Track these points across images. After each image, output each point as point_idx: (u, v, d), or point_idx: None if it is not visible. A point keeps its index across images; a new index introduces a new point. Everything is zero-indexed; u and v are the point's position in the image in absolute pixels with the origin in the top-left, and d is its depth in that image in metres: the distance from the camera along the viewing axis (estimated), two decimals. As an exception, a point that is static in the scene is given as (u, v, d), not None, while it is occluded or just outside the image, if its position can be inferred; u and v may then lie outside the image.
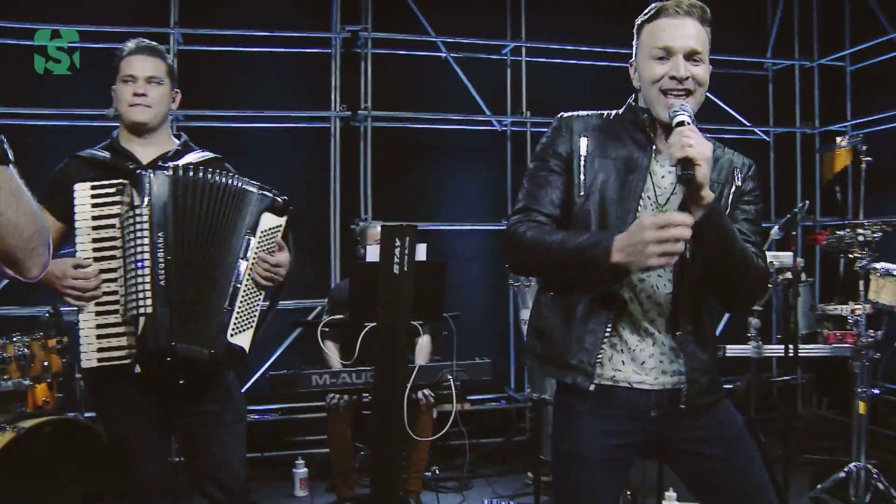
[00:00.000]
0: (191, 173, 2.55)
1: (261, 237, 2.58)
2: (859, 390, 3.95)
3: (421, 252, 3.57)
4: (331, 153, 5.30)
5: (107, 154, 2.63)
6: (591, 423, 2.04)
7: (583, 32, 5.87)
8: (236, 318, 2.55)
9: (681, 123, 1.86)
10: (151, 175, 2.50)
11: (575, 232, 1.98)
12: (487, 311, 5.72)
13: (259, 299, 2.63)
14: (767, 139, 6.25)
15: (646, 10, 2.04)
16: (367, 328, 3.67)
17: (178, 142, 2.76)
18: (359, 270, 3.68)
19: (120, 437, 2.65)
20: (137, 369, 2.49)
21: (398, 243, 3.38)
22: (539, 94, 5.75)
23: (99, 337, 2.48)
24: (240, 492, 2.80)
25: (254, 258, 2.57)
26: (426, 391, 4.08)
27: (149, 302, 2.45)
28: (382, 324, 3.51)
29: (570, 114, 2.15)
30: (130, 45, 2.68)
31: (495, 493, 4.65)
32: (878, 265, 4.03)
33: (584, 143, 2.06)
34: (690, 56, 1.96)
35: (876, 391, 4.08)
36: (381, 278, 3.44)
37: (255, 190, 2.60)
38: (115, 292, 2.49)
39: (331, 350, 4.18)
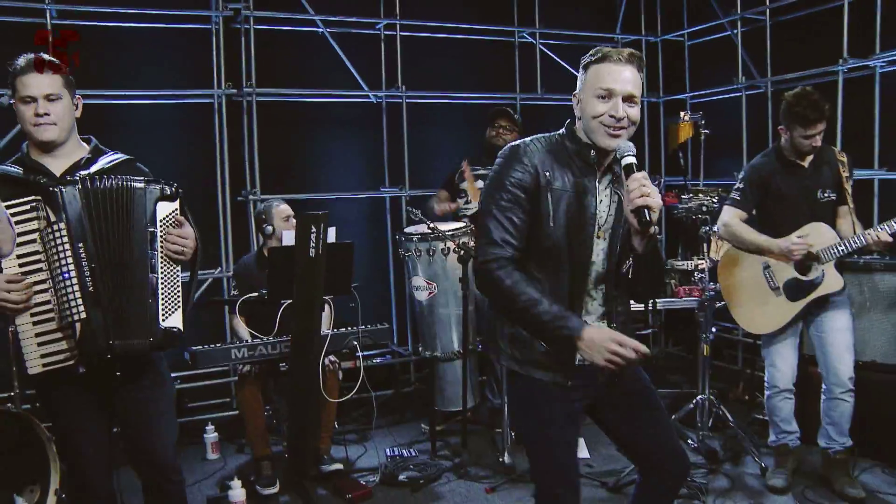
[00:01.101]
0: (97, 183, 2.73)
1: (161, 226, 2.82)
2: (703, 336, 4.64)
3: (331, 235, 3.92)
4: (216, 129, 5.43)
5: (19, 170, 2.74)
6: (559, 393, 2.53)
7: (454, 10, 6.25)
8: (163, 304, 2.81)
9: (630, 164, 2.31)
10: (63, 191, 2.68)
11: (545, 298, 2.36)
12: (370, 274, 6.05)
13: (177, 277, 2.86)
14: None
15: (592, 52, 2.45)
16: (284, 304, 4.01)
17: (87, 147, 2.89)
18: (276, 254, 3.97)
19: (66, 433, 2.88)
20: (82, 370, 2.72)
21: (313, 230, 3.72)
22: (413, 68, 6.06)
23: (40, 345, 2.68)
24: (172, 471, 3.11)
25: (161, 245, 2.80)
26: (332, 357, 4.43)
27: (81, 308, 2.68)
28: (299, 300, 3.87)
29: (522, 145, 2.49)
30: (22, 62, 2.74)
31: (395, 442, 5.09)
32: (717, 226, 4.70)
33: (546, 174, 2.43)
34: (627, 99, 2.38)
35: (713, 332, 4.80)
36: (297, 261, 3.79)
37: (146, 185, 2.79)
38: (47, 302, 2.69)
39: (239, 324, 4.46)
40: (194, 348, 3.95)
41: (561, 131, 2.56)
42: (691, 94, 6.82)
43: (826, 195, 4.07)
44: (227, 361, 4.09)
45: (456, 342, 5.01)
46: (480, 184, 5.24)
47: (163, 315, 2.80)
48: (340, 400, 4.40)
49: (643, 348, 2.31)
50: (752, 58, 6.09)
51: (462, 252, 4.61)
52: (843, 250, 3.92)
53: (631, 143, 2.40)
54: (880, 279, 4.57)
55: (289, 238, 4.01)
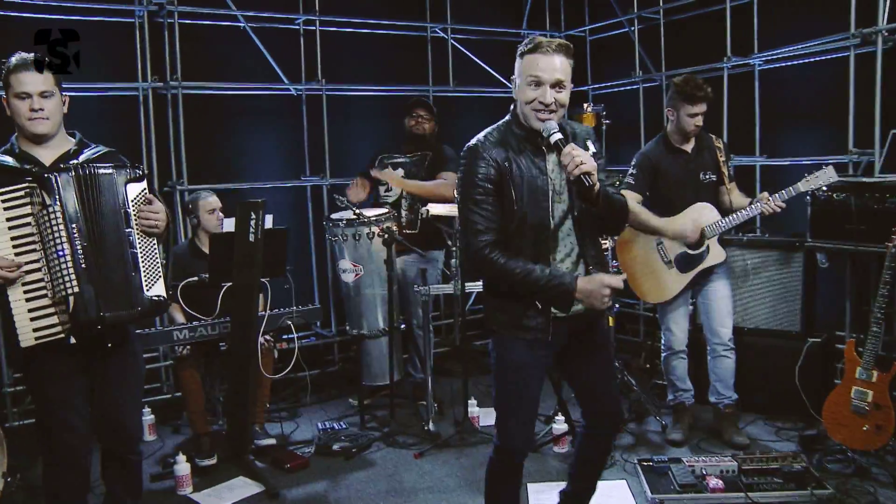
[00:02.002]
0: (87, 170, 3.00)
1: (133, 205, 3.08)
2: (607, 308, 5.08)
3: (268, 221, 4.18)
4: (141, 121, 5.56)
5: (12, 160, 3.00)
6: (531, 347, 2.90)
7: (370, 6, 6.51)
8: (145, 276, 3.09)
9: (557, 141, 2.67)
10: (58, 177, 2.94)
11: (534, 267, 2.75)
12: (292, 260, 6.26)
13: (155, 250, 3.14)
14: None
15: (527, 42, 2.79)
16: (224, 287, 4.25)
17: (73, 140, 3.16)
18: (217, 239, 4.20)
19: (52, 404, 3.10)
20: (73, 340, 2.97)
21: (253, 216, 3.97)
22: (332, 61, 6.30)
23: (32, 319, 2.93)
24: (136, 442, 3.39)
25: (136, 222, 3.07)
26: (267, 336, 4.67)
27: (74, 283, 2.94)
28: (238, 283, 4.12)
29: (478, 143, 2.83)
30: (16, 59, 2.99)
31: (326, 417, 5.39)
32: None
33: (505, 165, 2.78)
34: (556, 85, 2.74)
35: (616, 307, 5.26)
36: (237, 245, 4.03)
37: (117, 171, 3.06)
38: (40, 280, 2.94)
39: (176, 310, 4.65)
40: (136, 331, 4.13)
41: (507, 119, 2.91)
42: (593, 87, 7.30)
43: (708, 177, 4.59)
44: (169, 343, 4.31)
45: (381, 320, 5.32)
46: (401, 171, 5.55)
47: (146, 286, 3.07)
48: (277, 376, 4.65)
49: (621, 283, 2.75)
50: (649, 53, 6.60)
51: (386, 236, 4.93)
52: (725, 226, 4.47)
53: (555, 123, 2.75)
54: (761, 253, 5.10)
55: (229, 225, 4.25)
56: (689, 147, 4.60)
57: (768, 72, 5.80)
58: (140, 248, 3.08)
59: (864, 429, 4.05)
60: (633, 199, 4.58)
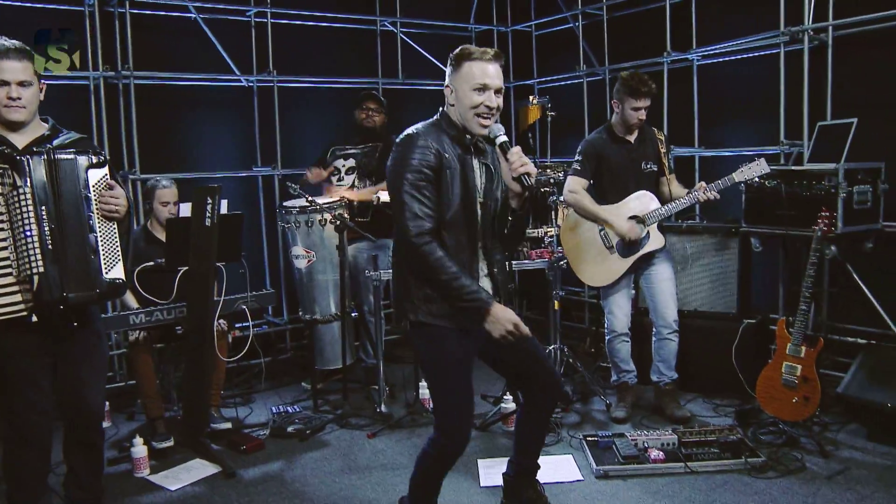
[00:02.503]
0: (58, 155, 3.09)
1: (95, 189, 3.16)
2: (554, 292, 5.27)
3: (223, 206, 4.26)
4: (93, 111, 5.56)
5: None
6: (460, 338, 3.04)
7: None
8: (104, 258, 3.16)
9: (504, 142, 2.84)
10: (31, 160, 3.02)
11: (463, 273, 2.87)
12: (244, 248, 6.31)
13: (115, 235, 3.21)
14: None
15: (459, 50, 2.94)
16: (181, 271, 4.31)
17: (46, 126, 3.22)
18: (173, 224, 4.26)
19: (15, 380, 3.16)
20: (34, 318, 3.03)
21: (209, 201, 4.05)
22: (284, 53, 6.38)
23: None
24: (99, 421, 3.46)
25: (96, 206, 3.15)
26: (221, 320, 4.74)
27: (40, 263, 3.02)
28: (195, 267, 4.19)
29: (415, 132, 2.95)
30: None
31: (280, 401, 5.48)
32: (563, 195, 5.32)
33: (445, 155, 2.92)
34: (497, 91, 2.92)
35: (561, 292, 5.44)
36: (193, 230, 4.10)
37: (78, 156, 3.14)
38: (6, 258, 3.00)
39: (129, 296, 4.69)
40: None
41: (436, 119, 3.05)
42: (538, 80, 7.49)
43: (649, 166, 4.81)
44: (126, 327, 4.36)
45: (333, 306, 5.44)
46: (352, 161, 5.68)
47: (105, 268, 3.14)
48: (232, 359, 4.73)
49: (527, 332, 2.90)
50: (592, 48, 6.81)
51: (338, 222, 5.04)
52: (663, 213, 4.69)
53: (501, 125, 2.94)
54: (700, 239, 5.35)
55: (185, 210, 4.32)
56: (632, 138, 4.81)
57: (706, 67, 6.06)
58: (100, 231, 3.15)
59: (794, 401, 4.30)
60: (579, 183, 4.79)
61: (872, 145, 4.83)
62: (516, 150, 2.86)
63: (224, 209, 4.27)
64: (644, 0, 6.37)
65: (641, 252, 4.78)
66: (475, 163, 3.04)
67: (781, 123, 5.37)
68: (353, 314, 5.70)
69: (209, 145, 6.28)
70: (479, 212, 3.05)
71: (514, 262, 5.15)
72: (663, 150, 4.84)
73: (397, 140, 3.00)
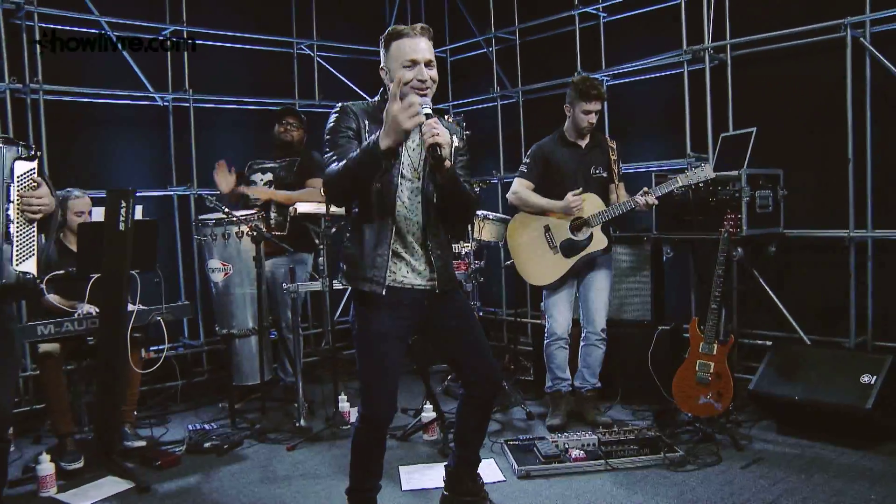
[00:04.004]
0: None
1: (18, 182, 3.06)
2: (473, 303, 5.30)
3: (138, 212, 4.18)
4: (-1, 125, 5.41)
5: None
6: (388, 312, 3.06)
7: (239, 19, 6.61)
8: (17, 250, 3.05)
9: (427, 115, 2.81)
10: None
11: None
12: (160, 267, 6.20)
13: (33, 232, 3.11)
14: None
15: (389, 31, 3.00)
16: (93, 279, 4.19)
17: None
18: (85, 229, 4.15)
19: None
20: None
21: (122, 205, 3.97)
22: (200, 72, 6.35)
23: None
24: (7, 424, 3.31)
25: (17, 199, 3.05)
26: (136, 333, 4.59)
27: None
28: (107, 274, 4.09)
29: (345, 104, 3.04)
30: None
31: (198, 420, 5.34)
32: (479, 212, 5.40)
33: (364, 122, 2.99)
34: (428, 64, 2.96)
35: (480, 312, 5.47)
36: (106, 235, 4.01)
37: (6, 146, 3.05)
38: None
39: (53, 299, 4.50)
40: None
41: (376, 98, 3.12)
42: (453, 103, 7.62)
43: (598, 172, 4.89)
44: (33, 338, 4.16)
45: (250, 320, 5.35)
46: (269, 175, 5.66)
47: (16, 260, 3.02)
48: (146, 371, 4.60)
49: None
50: (506, 71, 6.98)
51: (255, 233, 5.00)
52: (608, 215, 4.74)
53: (428, 100, 2.93)
54: (643, 249, 5.49)
55: (98, 214, 4.21)
56: (583, 143, 4.91)
57: (615, 87, 6.28)
58: (16, 223, 3.04)
59: (708, 397, 4.42)
60: (523, 185, 4.89)
61: (771, 154, 5.08)
62: (431, 121, 2.83)
63: (139, 215, 4.19)
64: (555, 24, 6.57)
65: (584, 253, 4.81)
66: (412, 139, 3.04)
67: (687, 137, 5.59)
68: (271, 334, 5.63)
69: (123, 163, 6.14)
70: (405, 185, 3.06)
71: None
72: (613, 158, 4.90)
73: (334, 109, 3.09)
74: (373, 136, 2.81)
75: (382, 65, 3.07)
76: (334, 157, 2.96)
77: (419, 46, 2.96)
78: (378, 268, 3.05)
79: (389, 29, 3.03)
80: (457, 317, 3.28)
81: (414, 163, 3.09)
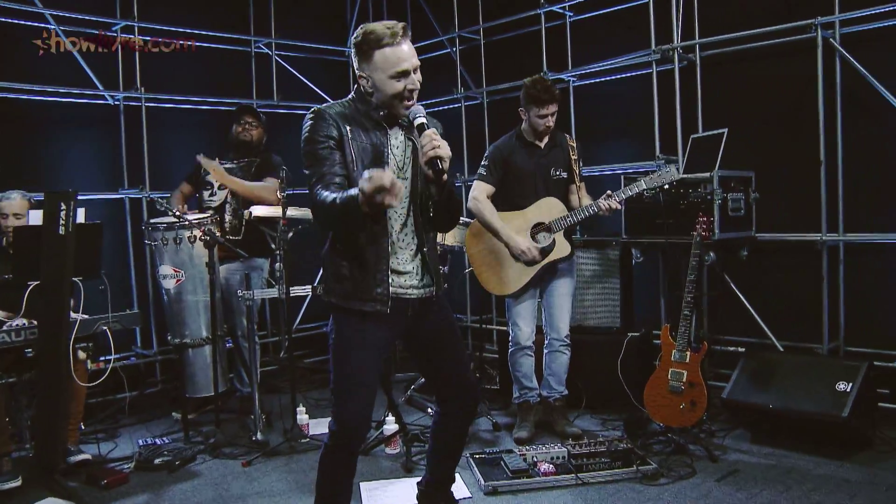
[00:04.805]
0: None
1: None
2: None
3: (80, 215, 3.92)
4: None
5: None
6: (372, 325, 2.88)
7: (193, 15, 6.37)
8: None
9: (421, 124, 2.68)
10: None
11: (340, 192, 2.64)
12: (110, 276, 5.92)
13: None
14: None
15: (366, 35, 2.74)
16: (30, 286, 3.92)
17: None
18: (21, 233, 3.89)
19: None
20: None
21: (62, 207, 3.72)
22: (153, 70, 6.08)
23: None
24: None
25: None
26: (82, 343, 4.32)
27: None
28: (47, 281, 3.83)
29: (321, 107, 2.82)
30: None
31: (149, 434, 5.07)
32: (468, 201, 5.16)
33: (346, 127, 2.77)
34: (416, 69, 2.78)
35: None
36: (44, 239, 3.75)
37: None
38: None
39: None
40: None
41: (351, 96, 2.90)
42: (422, 103, 7.39)
43: (558, 173, 4.68)
44: (-36, 350, 3.91)
45: (204, 328, 5.10)
46: (216, 163, 5.38)
47: None
48: (92, 384, 4.33)
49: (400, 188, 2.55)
50: (470, 71, 6.82)
51: (208, 238, 4.75)
52: (570, 221, 4.54)
53: (421, 107, 2.79)
54: (580, 253, 5.30)
55: (35, 217, 3.95)
56: (542, 143, 4.70)
57: (583, 87, 6.15)
58: None
59: (682, 406, 4.27)
60: (484, 190, 4.64)
61: (742, 156, 4.97)
62: (429, 133, 2.68)
63: (81, 218, 3.94)
64: (520, 23, 6.42)
65: (547, 261, 4.60)
66: (395, 137, 2.89)
67: (657, 139, 5.47)
68: (227, 344, 5.39)
69: (71, 165, 5.87)
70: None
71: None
72: (574, 157, 4.72)
73: (307, 114, 2.86)
74: (352, 192, 2.56)
75: (360, 72, 2.83)
76: (318, 178, 2.75)
77: (406, 54, 2.75)
78: (381, 284, 2.87)
79: (365, 31, 2.77)
80: (439, 325, 3.10)
81: (399, 162, 2.90)
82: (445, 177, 2.75)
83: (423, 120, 2.76)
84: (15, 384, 4.43)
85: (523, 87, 4.62)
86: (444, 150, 2.66)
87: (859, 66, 4.63)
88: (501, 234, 4.57)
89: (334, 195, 2.64)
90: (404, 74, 2.75)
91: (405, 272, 2.93)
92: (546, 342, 4.79)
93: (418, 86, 2.81)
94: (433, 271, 2.99)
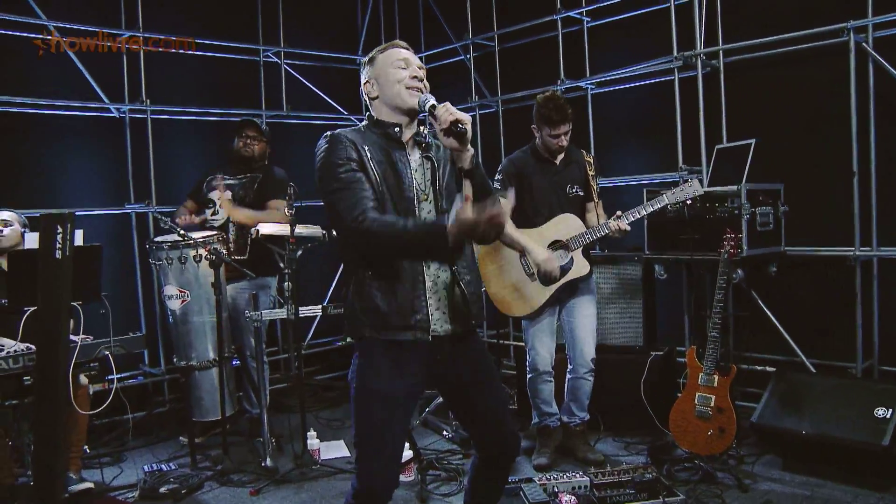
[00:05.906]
0: None
1: None
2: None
3: (78, 237, 3.76)
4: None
5: None
6: (400, 373, 2.62)
7: (200, 25, 6.19)
8: None
9: (433, 106, 2.52)
10: None
11: (403, 220, 2.48)
12: (117, 294, 5.72)
13: None
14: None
15: (378, 48, 2.73)
16: (27, 312, 3.76)
17: None
18: (17, 257, 3.73)
19: None
20: None
21: (59, 230, 3.55)
22: (158, 81, 5.92)
23: None
24: None
25: None
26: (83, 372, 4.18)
27: None
28: (44, 306, 3.66)
29: (333, 133, 2.65)
30: None
31: (155, 458, 4.91)
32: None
33: (363, 147, 2.60)
34: (420, 69, 2.68)
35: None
36: (41, 263, 3.58)
37: None
38: None
39: None
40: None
41: (363, 123, 2.75)
42: (430, 113, 7.24)
43: (574, 190, 4.47)
44: (-40, 378, 3.75)
45: (211, 350, 4.92)
46: (229, 194, 5.19)
47: None
48: (94, 411, 4.17)
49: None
50: (484, 79, 6.63)
51: (214, 257, 4.59)
52: (588, 238, 4.31)
53: (430, 95, 2.63)
54: (601, 269, 5.10)
55: (31, 241, 3.79)
56: (557, 159, 4.50)
57: (601, 95, 5.94)
58: None
59: (709, 433, 4.07)
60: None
61: (769, 167, 4.75)
62: (445, 104, 2.53)
63: (79, 240, 3.77)
64: (536, 29, 6.23)
65: (564, 280, 4.38)
66: (413, 157, 2.70)
67: (679, 149, 5.26)
68: (234, 363, 5.22)
69: (76, 180, 5.71)
70: (423, 211, 2.67)
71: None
72: (591, 174, 4.51)
73: (320, 141, 2.67)
74: (437, 223, 2.44)
75: (367, 79, 2.73)
76: (354, 203, 2.52)
77: (407, 52, 2.74)
78: (418, 311, 2.61)
79: (380, 47, 2.76)
80: (475, 368, 2.80)
81: (420, 184, 2.71)
82: (469, 135, 2.53)
83: (434, 101, 2.59)
84: (17, 407, 4.29)
85: (535, 105, 4.41)
86: (464, 115, 2.53)
87: (894, 71, 4.41)
88: (521, 242, 4.19)
89: (402, 222, 2.48)
90: (406, 63, 2.68)
91: (441, 301, 2.66)
92: (570, 367, 4.56)
93: (422, 76, 2.69)
94: (472, 295, 2.72)
